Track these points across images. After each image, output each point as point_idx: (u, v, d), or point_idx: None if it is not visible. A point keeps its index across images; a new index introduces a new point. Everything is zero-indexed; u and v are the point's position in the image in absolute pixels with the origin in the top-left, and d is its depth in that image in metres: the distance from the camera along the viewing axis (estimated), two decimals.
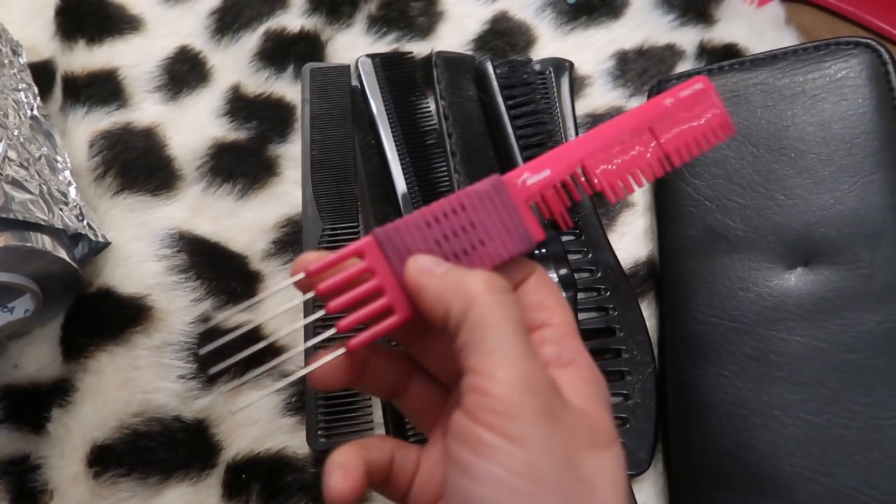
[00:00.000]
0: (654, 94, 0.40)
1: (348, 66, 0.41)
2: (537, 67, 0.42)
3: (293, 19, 0.44)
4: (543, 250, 0.34)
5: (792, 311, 0.32)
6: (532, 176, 0.23)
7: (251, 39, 0.44)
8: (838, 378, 0.30)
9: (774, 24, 0.46)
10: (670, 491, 0.33)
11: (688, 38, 0.45)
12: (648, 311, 0.37)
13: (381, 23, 0.45)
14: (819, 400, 0.30)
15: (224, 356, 0.36)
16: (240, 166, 0.40)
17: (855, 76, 0.35)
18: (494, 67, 0.39)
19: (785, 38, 0.45)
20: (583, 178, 0.24)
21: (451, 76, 0.40)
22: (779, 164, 0.35)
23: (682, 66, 0.44)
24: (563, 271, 0.34)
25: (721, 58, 0.44)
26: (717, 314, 0.33)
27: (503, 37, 0.45)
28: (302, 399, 0.35)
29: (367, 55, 0.41)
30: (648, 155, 0.24)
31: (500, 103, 0.38)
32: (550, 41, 0.45)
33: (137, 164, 0.39)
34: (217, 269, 0.37)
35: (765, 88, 0.37)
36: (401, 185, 0.37)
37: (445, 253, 0.22)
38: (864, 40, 0.35)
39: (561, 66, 0.42)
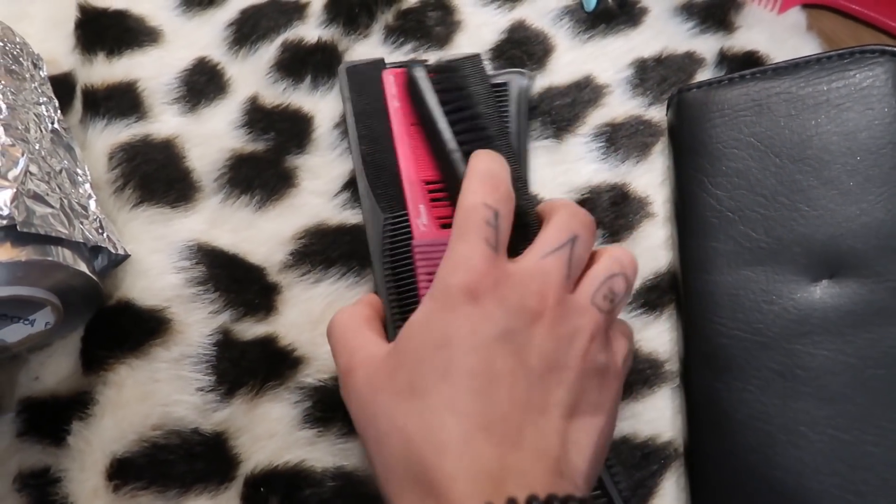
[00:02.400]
0: (674, 104, 0.40)
1: (382, 59, 0.42)
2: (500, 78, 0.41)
3: (310, 30, 0.44)
4: None
5: (818, 324, 0.31)
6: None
7: (269, 50, 0.44)
8: (867, 394, 0.29)
9: (795, 31, 0.45)
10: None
11: (707, 45, 0.44)
12: (668, 324, 0.37)
13: (399, 33, 0.45)
14: (847, 416, 0.29)
15: (241, 368, 0.36)
16: (258, 178, 0.40)
17: (881, 85, 0.34)
18: (428, 72, 0.38)
19: (806, 45, 0.44)
20: None
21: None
22: (803, 174, 0.34)
23: (702, 74, 0.43)
24: None
25: (741, 65, 0.43)
26: (740, 327, 0.33)
27: (520, 46, 0.44)
28: (321, 411, 0.35)
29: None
30: None
31: (431, 110, 0.37)
32: (568, 50, 0.44)
33: (156, 176, 0.39)
34: (235, 281, 0.37)
35: (787, 97, 0.36)
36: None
37: None
38: (890, 48, 0.35)
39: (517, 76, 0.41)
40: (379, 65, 0.41)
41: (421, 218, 0.35)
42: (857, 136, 0.34)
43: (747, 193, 0.35)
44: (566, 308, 0.27)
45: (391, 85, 0.39)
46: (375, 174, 0.38)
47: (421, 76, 0.38)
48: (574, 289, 0.28)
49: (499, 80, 0.41)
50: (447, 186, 0.36)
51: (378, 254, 0.36)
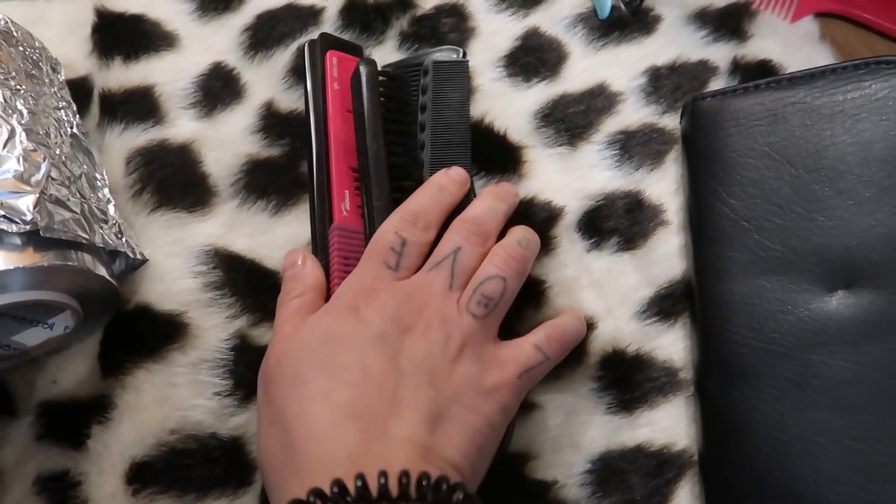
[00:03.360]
0: (688, 112, 0.40)
1: (359, 47, 0.43)
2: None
3: None
4: None
5: (833, 334, 0.31)
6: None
7: (284, 56, 0.44)
8: (883, 404, 0.29)
9: (809, 40, 0.45)
10: None
11: (721, 53, 0.45)
12: (683, 332, 0.37)
13: (413, 39, 0.45)
14: (863, 426, 0.29)
15: (256, 372, 0.36)
16: (273, 183, 0.40)
17: None
18: (376, 73, 0.37)
19: (819, 54, 0.45)
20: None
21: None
22: (818, 184, 0.34)
23: (716, 83, 0.44)
24: None
25: (755, 73, 0.44)
26: (756, 336, 0.33)
27: (534, 53, 0.45)
28: None
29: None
30: None
31: (364, 112, 0.36)
32: (582, 57, 0.45)
33: (173, 180, 0.40)
34: (252, 286, 0.37)
35: (803, 107, 0.36)
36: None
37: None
38: None
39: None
40: (348, 47, 0.42)
41: (344, 203, 0.36)
42: (872, 147, 0.34)
43: (762, 203, 0.35)
44: (440, 317, 0.30)
45: (333, 67, 0.39)
46: (318, 155, 0.38)
47: (366, 73, 0.37)
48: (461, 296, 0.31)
49: (428, 59, 0.40)
50: (362, 185, 0.36)
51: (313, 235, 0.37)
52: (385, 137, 0.36)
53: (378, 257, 0.32)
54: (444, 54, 0.40)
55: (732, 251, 0.35)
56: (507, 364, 0.30)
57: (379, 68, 0.38)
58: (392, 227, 0.32)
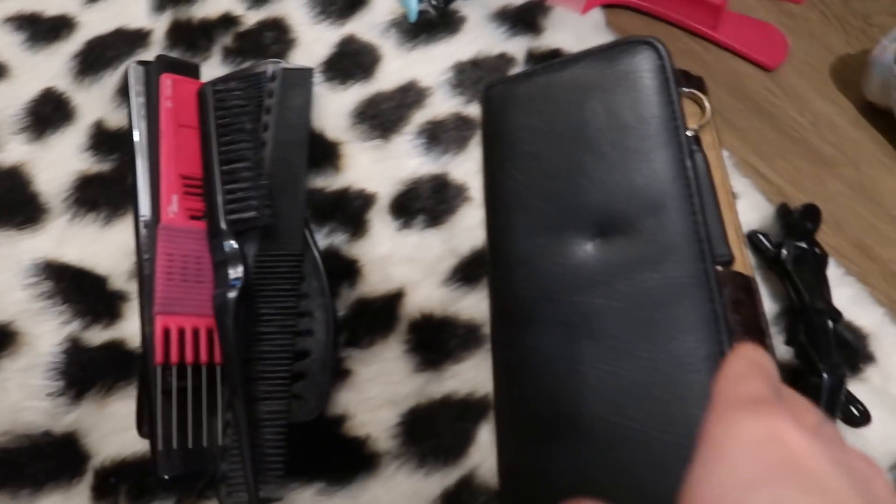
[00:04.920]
0: (483, 100, 0.44)
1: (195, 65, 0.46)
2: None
3: (153, 55, 0.47)
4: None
5: (591, 277, 0.36)
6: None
7: (113, 78, 0.47)
8: (629, 331, 0.34)
9: (596, 29, 0.51)
10: (499, 442, 0.36)
11: (518, 46, 0.49)
12: (483, 293, 0.41)
13: (237, 53, 0.48)
14: (613, 352, 0.34)
15: (91, 372, 0.38)
16: (103, 196, 0.43)
17: (642, 70, 0.40)
18: (215, 91, 0.42)
19: (606, 41, 0.50)
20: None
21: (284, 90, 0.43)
22: (581, 151, 0.39)
23: (514, 73, 0.48)
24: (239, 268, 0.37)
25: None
26: (534, 288, 0.37)
27: (351, 58, 0.49)
28: None
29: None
30: None
31: (212, 127, 0.41)
32: (394, 58, 0.49)
33: (2, 202, 0.42)
34: (83, 293, 0.40)
35: (569, 85, 0.41)
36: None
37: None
38: (649, 39, 0.40)
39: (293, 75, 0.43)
40: (184, 67, 0.45)
41: (172, 206, 0.38)
42: (622, 115, 0.39)
43: (539, 173, 0.40)
44: None
45: (167, 87, 0.42)
46: (151, 166, 0.41)
47: (207, 93, 0.42)
48: None
49: (277, 66, 0.44)
50: (204, 192, 0.40)
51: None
52: (221, 148, 0.40)
53: None
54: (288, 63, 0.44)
55: (516, 217, 0.40)
56: None
57: (221, 79, 0.42)
58: None
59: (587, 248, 0.37)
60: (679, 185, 0.36)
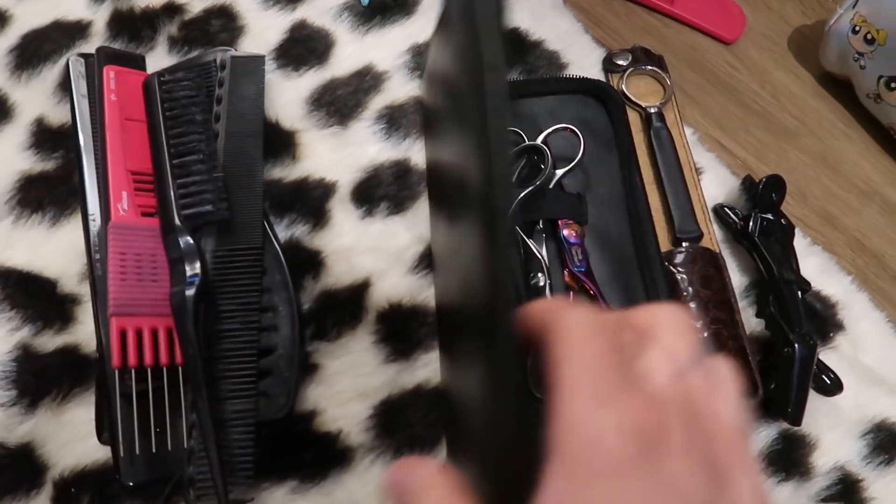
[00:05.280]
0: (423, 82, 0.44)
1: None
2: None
3: (94, 48, 0.45)
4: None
5: None
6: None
7: (52, 72, 0.44)
8: None
9: (554, 7, 0.50)
10: None
11: None
12: None
13: (183, 43, 0.46)
14: None
15: (44, 379, 0.36)
16: (49, 195, 0.41)
17: None
18: (161, 82, 0.40)
19: (563, 18, 0.49)
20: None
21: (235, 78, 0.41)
22: None
23: None
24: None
25: (508, 41, 0.48)
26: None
27: (303, 43, 0.47)
28: None
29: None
30: None
31: (159, 119, 0.39)
32: (348, 43, 0.47)
33: None
34: (32, 297, 0.38)
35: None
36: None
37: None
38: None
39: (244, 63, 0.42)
40: (127, 58, 0.43)
41: (122, 203, 0.37)
42: None
43: None
44: None
45: (111, 80, 0.40)
46: (97, 160, 0.39)
47: (154, 85, 0.40)
48: None
49: (226, 54, 0.42)
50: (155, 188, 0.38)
51: None
52: (171, 141, 0.38)
53: None
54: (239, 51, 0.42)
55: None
56: None
57: (168, 70, 0.40)
58: None
59: None
60: None
